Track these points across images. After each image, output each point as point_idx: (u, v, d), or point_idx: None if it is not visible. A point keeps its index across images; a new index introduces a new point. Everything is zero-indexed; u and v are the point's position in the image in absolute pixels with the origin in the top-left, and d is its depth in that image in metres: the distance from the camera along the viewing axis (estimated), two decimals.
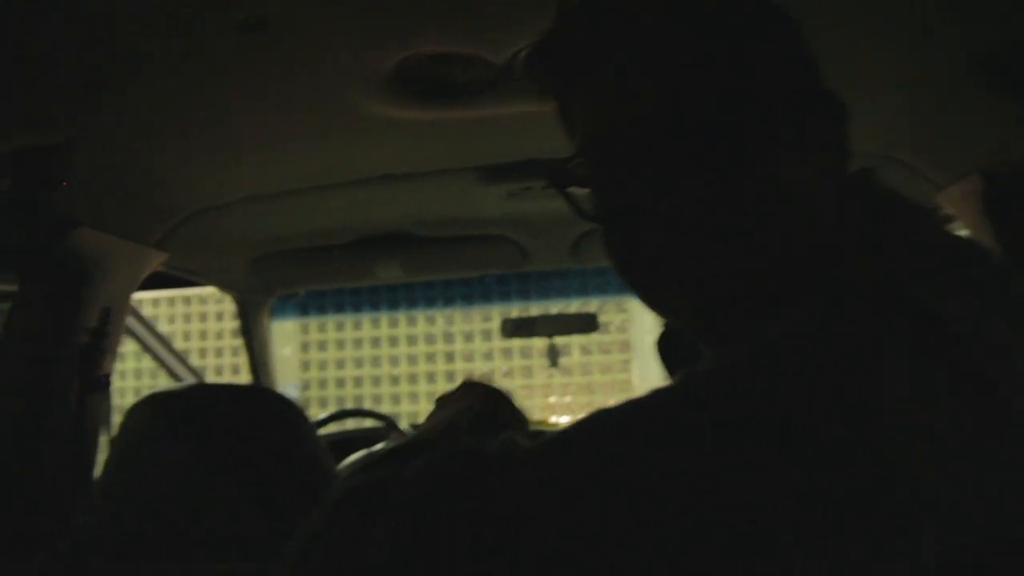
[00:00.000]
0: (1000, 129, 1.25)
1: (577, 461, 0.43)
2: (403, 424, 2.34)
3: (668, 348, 0.83)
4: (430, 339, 6.06)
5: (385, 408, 2.59)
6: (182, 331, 6.02)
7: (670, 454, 0.41)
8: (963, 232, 1.40)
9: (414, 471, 0.46)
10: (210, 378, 4.09)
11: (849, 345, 0.43)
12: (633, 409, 0.45)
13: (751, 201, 0.55)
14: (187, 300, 6.03)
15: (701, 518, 0.39)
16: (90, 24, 0.88)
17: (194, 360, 5.93)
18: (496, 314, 5.57)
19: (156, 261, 1.58)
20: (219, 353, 6.06)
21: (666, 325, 0.81)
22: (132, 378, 5.81)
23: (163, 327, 6.00)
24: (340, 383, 6.08)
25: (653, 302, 0.63)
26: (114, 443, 1.16)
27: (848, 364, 0.42)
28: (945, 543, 0.39)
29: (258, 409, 1.12)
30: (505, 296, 5.03)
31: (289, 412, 1.13)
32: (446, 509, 0.43)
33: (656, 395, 0.45)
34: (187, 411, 1.10)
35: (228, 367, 5.99)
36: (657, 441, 0.42)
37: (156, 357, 2.43)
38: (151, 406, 1.12)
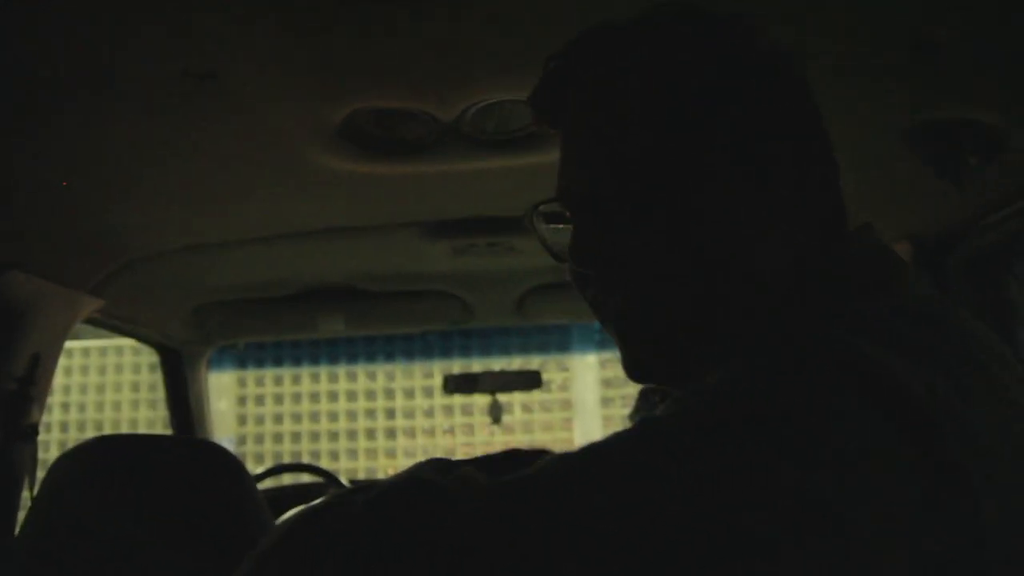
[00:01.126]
0: (928, 201, 1.31)
1: (531, 498, 0.43)
2: (344, 481, 2.29)
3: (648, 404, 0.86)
4: (370, 395, 5.98)
5: (323, 465, 2.55)
6: (78, 384, 5.86)
7: (621, 492, 0.41)
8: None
9: (369, 494, 0.46)
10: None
11: (796, 392, 0.44)
12: (591, 450, 0.45)
13: (703, 253, 0.58)
14: (85, 352, 5.88)
15: (646, 558, 0.39)
16: (30, 64, 0.88)
17: (90, 413, 5.75)
18: (437, 371, 5.54)
19: (91, 308, 1.55)
20: (117, 407, 5.90)
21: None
22: (57, 430, 5.60)
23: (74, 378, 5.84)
24: (277, 438, 5.94)
25: (626, 356, 0.64)
26: (37, 498, 1.11)
27: (795, 412, 0.43)
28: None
29: (198, 460, 1.09)
30: (446, 352, 5.00)
31: (230, 464, 1.10)
32: (397, 530, 0.43)
33: (613, 438, 0.46)
34: (122, 463, 1.07)
35: (126, 421, 5.83)
36: (608, 481, 0.42)
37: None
38: (80, 458, 1.08)
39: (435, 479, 0.47)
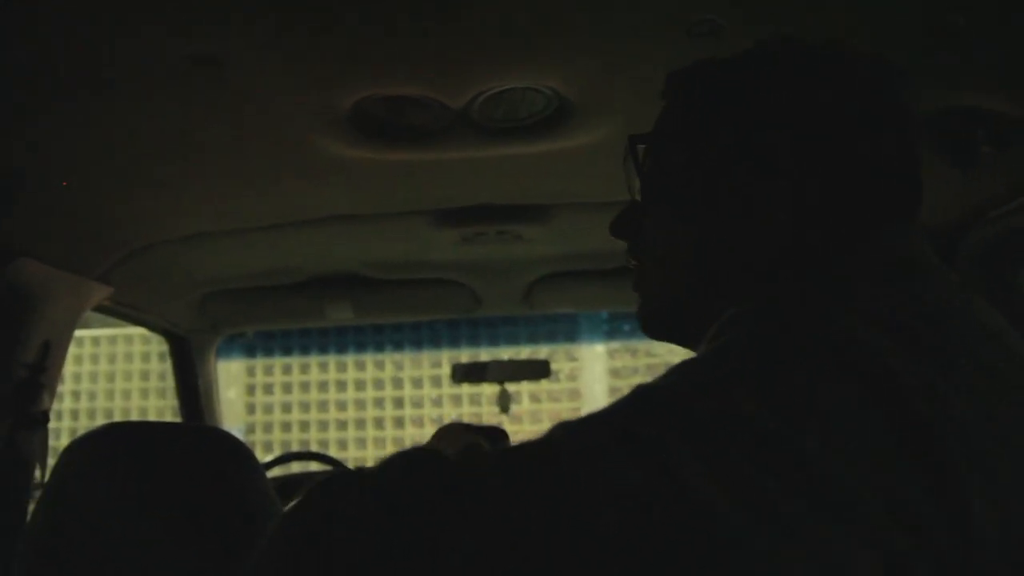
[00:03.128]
0: (937, 190, 1.30)
1: (537, 468, 0.43)
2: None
3: None
4: (378, 384, 6.00)
5: (332, 454, 2.55)
6: (88, 372, 5.89)
7: (621, 462, 0.42)
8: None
9: (380, 464, 0.48)
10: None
11: (792, 385, 0.45)
12: (590, 420, 0.47)
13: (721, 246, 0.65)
14: (95, 340, 5.91)
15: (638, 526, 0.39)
16: (36, 53, 0.88)
17: (100, 401, 5.79)
18: (445, 360, 5.55)
19: (100, 295, 1.55)
20: (126, 395, 5.94)
21: None
22: (68, 418, 5.64)
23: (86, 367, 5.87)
24: (286, 427, 5.97)
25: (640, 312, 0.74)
26: (48, 484, 1.11)
27: (789, 408, 0.43)
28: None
29: (208, 448, 1.09)
30: (455, 342, 5.01)
31: (239, 452, 1.10)
32: (407, 489, 0.44)
33: (611, 407, 0.47)
34: (132, 450, 1.07)
35: (136, 409, 5.87)
36: (606, 449, 0.43)
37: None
38: (91, 445, 1.08)
39: (437, 451, 0.49)
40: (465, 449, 0.50)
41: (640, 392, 0.48)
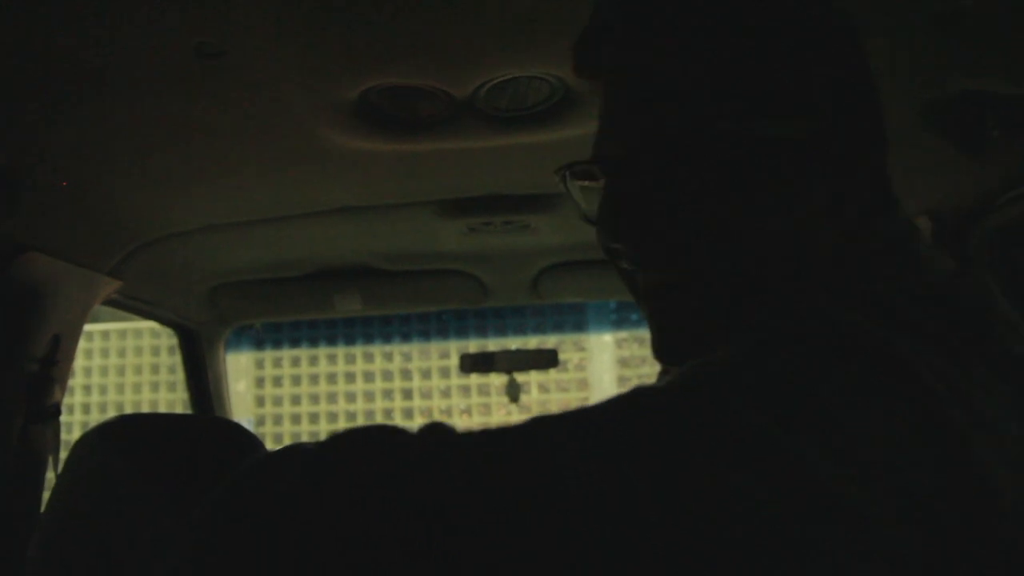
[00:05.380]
0: (948, 175, 1.29)
1: (498, 456, 0.41)
2: None
3: None
4: (387, 376, 6.00)
5: None
6: (99, 366, 5.91)
7: (598, 463, 0.40)
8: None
9: (329, 441, 0.45)
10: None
11: (800, 371, 0.43)
12: (572, 417, 0.44)
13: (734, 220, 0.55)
14: (105, 335, 5.93)
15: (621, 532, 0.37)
16: (43, 45, 0.88)
17: (111, 395, 5.80)
18: (453, 350, 5.55)
19: (109, 289, 1.56)
20: (137, 389, 5.96)
21: None
22: (80, 412, 5.67)
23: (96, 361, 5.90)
24: (295, 419, 5.98)
25: (657, 338, 0.62)
26: (61, 476, 1.12)
27: (796, 390, 0.42)
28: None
29: (219, 439, 1.10)
30: (462, 333, 5.02)
31: (250, 444, 1.10)
32: (350, 483, 0.41)
33: (600, 406, 0.45)
34: (148, 441, 1.07)
35: (146, 402, 5.88)
36: (588, 448, 0.41)
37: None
38: (103, 436, 1.09)
39: (399, 428, 0.46)
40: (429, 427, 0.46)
41: (636, 392, 0.46)
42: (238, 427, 1.14)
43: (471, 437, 0.44)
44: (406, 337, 5.67)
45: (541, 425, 0.44)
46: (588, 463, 0.40)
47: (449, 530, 0.38)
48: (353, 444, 0.45)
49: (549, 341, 5.05)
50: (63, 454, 1.35)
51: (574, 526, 0.37)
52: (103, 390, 5.99)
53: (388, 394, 5.97)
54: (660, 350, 0.60)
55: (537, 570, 0.37)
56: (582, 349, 5.84)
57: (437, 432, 0.44)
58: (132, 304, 1.85)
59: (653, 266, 0.59)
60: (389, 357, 5.97)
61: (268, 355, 5.89)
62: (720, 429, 0.40)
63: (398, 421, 5.88)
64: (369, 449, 0.44)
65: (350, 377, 6.01)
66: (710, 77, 0.55)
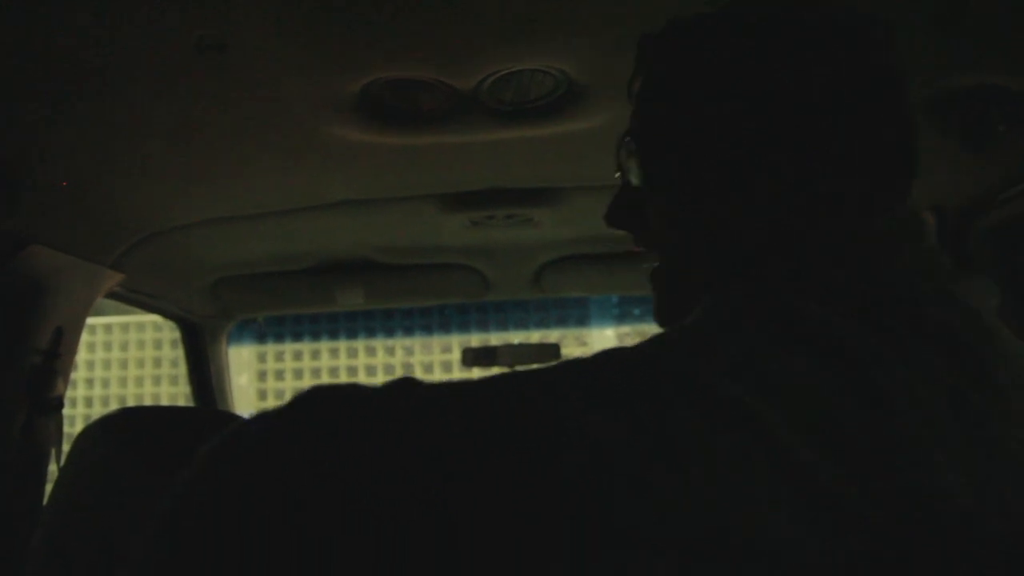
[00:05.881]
0: (952, 170, 1.29)
1: (490, 403, 0.41)
2: None
3: None
4: (389, 370, 6.01)
5: None
6: (101, 360, 5.93)
7: (593, 410, 0.40)
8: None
9: (290, 407, 0.44)
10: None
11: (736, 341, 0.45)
12: (562, 367, 0.45)
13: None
14: (108, 328, 5.95)
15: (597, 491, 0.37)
16: (44, 40, 0.88)
17: (114, 388, 5.81)
18: (455, 344, 5.56)
19: (112, 282, 1.56)
20: (139, 382, 5.97)
21: None
22: (82, 405, 5.69)
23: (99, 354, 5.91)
24: None
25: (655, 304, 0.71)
26: (63, 469, 1.12)
27: (735, 350, 0.44)
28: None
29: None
30: (464, 327, 5.02)
31: None
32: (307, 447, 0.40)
33: (584, 359, 0.46)
34: (150, 433, 1.07)
35: (149, 396, 5.89)
36: (582, 395, 0.41)
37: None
38: (106, 428, 1.09)
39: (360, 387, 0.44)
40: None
41: (607, 353, 0.47)
42: (241, 420, 1.14)
43: (447, 386, 0.44)
44: (408, 331, 5.67)
45: (533, 374, 0.45)
46: (584, 410, 0.40)
47: (447, 476, 0.37)
48: (325, 401, 0.43)
49: (551, 335, 5.05)
50: (65, 447, 1.36)
51: (572, 473, 0.37)
52: (105, 383, 6.01)
53: None
54: (659, 315, 0.70)
55: (536, 512, 0.36)
56: (584, 343, 5.84)
57: (411, 384, 0.44)
58: (135, 297, 1.85)
59: (654, 250, 0.68)
60: (391, 351, 5.98)
61: (270, 349, 5.90)
62: (686, 384, 0.42)
63: None
64: (345, 404, 0.43)
65: (352, 371, 6.02)
66: (711, 79, 0.61)
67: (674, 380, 0.42)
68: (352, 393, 0.43)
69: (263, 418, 0.44)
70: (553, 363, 0.46)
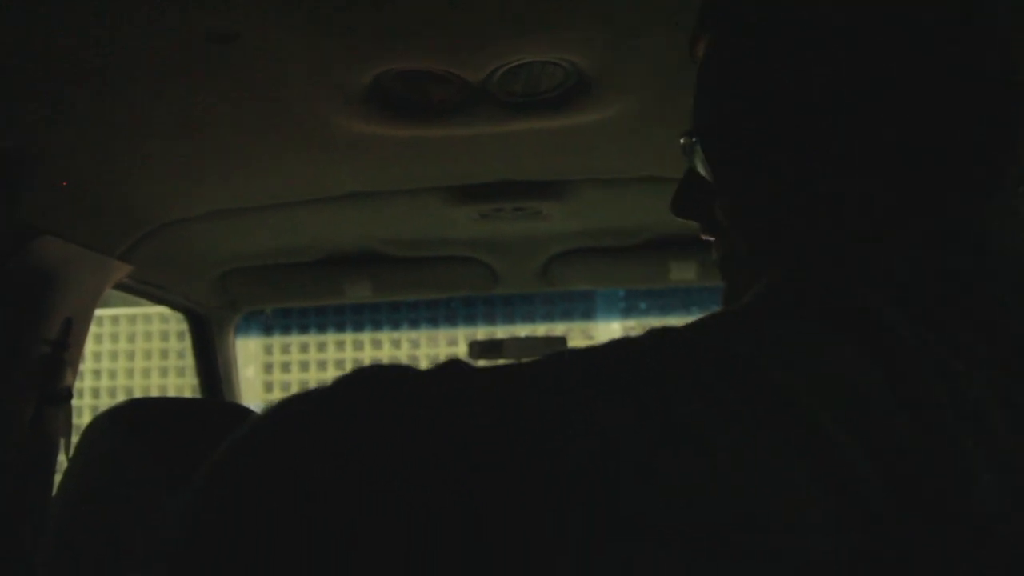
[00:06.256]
0: None
1: (522, 393, 0.40)
2: None
3: None
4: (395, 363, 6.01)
5: None
6: (108, 351, 5.94)
7: (621, 401, 0.39)
8: None
9: (328, 393, 0.43)
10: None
11: (783, 324, 0.44)
12: (595, 353, 0.44)
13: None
14: (115, 319, 5.96)
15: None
16: (54, 32, 0.88)
17: (121, 380, 5.83)
18: (462, 338, 5.56)
19: (121, 273, 1.56)
20: (146, 374, 5.98)
21: None
22: (89, 396, 5.70)
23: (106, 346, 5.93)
24: None
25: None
26: (72, 460, 1.13)
27: (777, 338, 0.43)
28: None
29: (230, 423, 1.09)
30: (471, 320, 5.02)
31: None
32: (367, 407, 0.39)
33: (617, 343, 0.45)
34: (158, 425, 1.08)
35: (156, 388, 5.91)
36: (611, 385, 0.40)
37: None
38: (114, 419, 1.09)
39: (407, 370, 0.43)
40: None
41: (653, 333, 0.46)
42: (248, 411, 1.14)
43: (490, 373, 0.43)
44: (414, 324, 5.68)
45: (562, 362, 0.43)
46: (593, 397, 0.39)
47: (473, 468, 0.36)
48: (365, 385, 0.43)
49: (557, 328, 5.04)
50: (74, 438, 1.36)
51: (581, 461, 0.37)
52: (112, 375, 6.02)
53: None
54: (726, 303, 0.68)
55: (544, 506, 0.36)
56: (590, 337, 5.83)
57: (453, 369, 0.43)
58: (143, 288, 1.85)
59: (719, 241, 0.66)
60: (397, 344, 5.98)
61: (276, 341, 5.91)
62: (726, 367, 0.41)
63: None
64: (382, 390, 0.42)
65: (358, 364, 6.02)
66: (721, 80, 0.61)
67: (715, 364, 0.41)
68: (395, 377, 0.43)
69: (297, 401, 0.43)
70: (562, 351, 0.45)
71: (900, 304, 0.45)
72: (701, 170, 0.65)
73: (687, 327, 0.46)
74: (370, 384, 0.42)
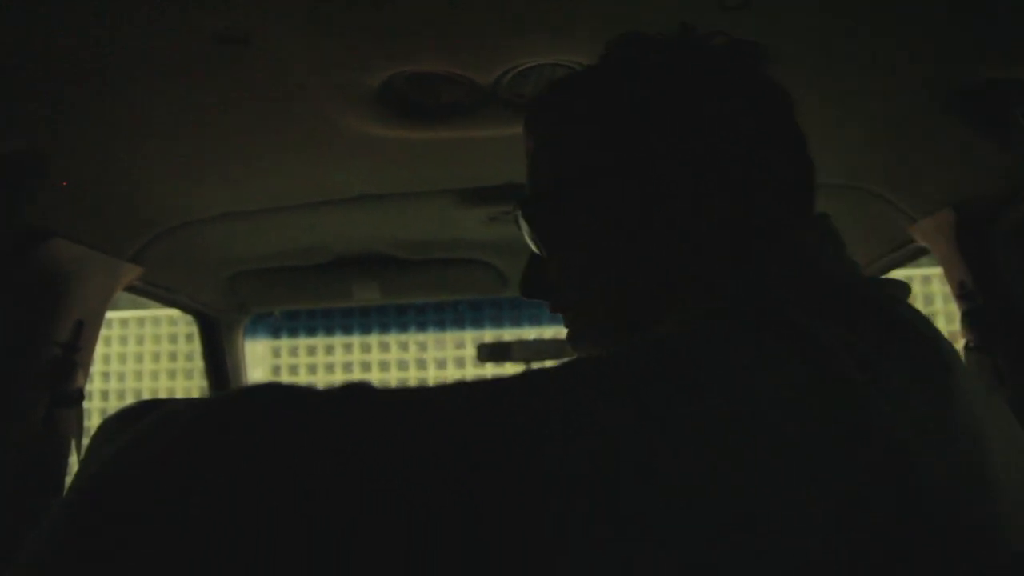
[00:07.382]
0: (972, 165, 1.28)
1: (510, 395, 0.41)
2: None
3: None
4: (402, 366, 6.02)
5: None
6: (117, 354, 5.96)
7: (607, 401, 0.40)
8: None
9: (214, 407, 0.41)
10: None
11: (709, 346, 0.45)
12: (575, 364, 0.45)
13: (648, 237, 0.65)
14: (124, 322, 5.98)
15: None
16: (65, 32, 0.88)
17: (129, 382, 5.84)
18: (469, 340, 5.56)
19: (131, 275, 1.57)
20: (155, 376, 6.00)
21: None
22: (98, 398, 5.73)
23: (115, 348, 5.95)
24: None
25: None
26: (83, 461, 1.13)
27: (706, 361, 0.44)
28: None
29: None
30: (478, 323, 5.03)
31: None
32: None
33: (586, 360, 0.46)
34: None
35: (164, 390, 5.93)
36: (597, 387, 0.41)
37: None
38: (124, 420, 1.09)
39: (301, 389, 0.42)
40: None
41: (652, 338, 0.48)
42: None
43: (476, 382, 0.43)
44: (422, 327, 5.68)
45: (551, 369, 0.44)
46: (594, 399, 0.40)
47: (473, 467, 0.36)
48: (360, 391, 0.43)
49: (564, 331, 5.05)
50: (84, 440, 1.36)
51: (582, 461, 0.37)
52: (121, 377, 6.05)
53: (404, 384, 5.98)
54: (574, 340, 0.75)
55: (545, 505, 0.36)
56: None
57: (361, 388, 0.43)
58: (153, 290, 1.86)
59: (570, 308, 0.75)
60: (404, 347, 5.99)
61: (284, 343, 5.92)
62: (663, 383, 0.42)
63: None
64: (378, 394, 0.42)
65: (365, 366, 6.03)
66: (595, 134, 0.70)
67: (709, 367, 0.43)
68: (381, 388, 0.43)
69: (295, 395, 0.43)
70: (570, 361, 0.46)
71: (811, 313, 0.48)
72: (531, 243, 0.74)
73: (683, 333, 0.48)
74: (369, 392, 0.43)
